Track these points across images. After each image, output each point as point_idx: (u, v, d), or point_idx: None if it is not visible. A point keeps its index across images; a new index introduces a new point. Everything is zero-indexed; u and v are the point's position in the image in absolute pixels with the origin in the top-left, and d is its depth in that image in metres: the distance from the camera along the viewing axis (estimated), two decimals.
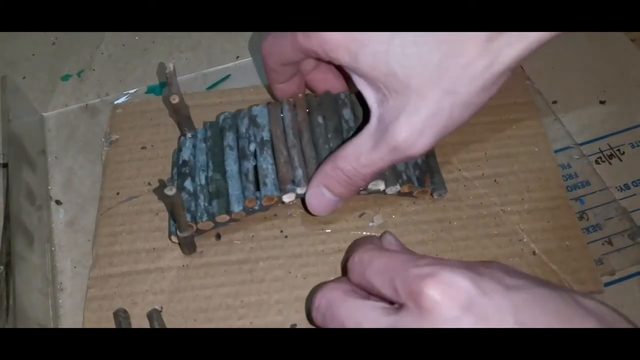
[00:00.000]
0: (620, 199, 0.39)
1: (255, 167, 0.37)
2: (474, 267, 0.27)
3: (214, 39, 0.48)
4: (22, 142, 0.40)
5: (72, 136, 0.44)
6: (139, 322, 0.35)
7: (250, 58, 0.47)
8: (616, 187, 0.39)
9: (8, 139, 0.39)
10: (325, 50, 0.32)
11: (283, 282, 0.36)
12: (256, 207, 0.36)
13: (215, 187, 0.36)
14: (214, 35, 0.48)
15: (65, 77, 0.47)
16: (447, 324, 0.25)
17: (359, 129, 0.37)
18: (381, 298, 0.28)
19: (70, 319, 0.36)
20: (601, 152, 0.41)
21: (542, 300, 0.26)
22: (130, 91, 0.46)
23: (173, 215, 0.36)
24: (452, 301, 0.25)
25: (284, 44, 0.34)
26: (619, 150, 0.41)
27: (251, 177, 0.37)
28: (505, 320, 0.25)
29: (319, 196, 0.35)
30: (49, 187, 0.41)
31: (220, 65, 0.47)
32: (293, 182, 0.36)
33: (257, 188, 0.36)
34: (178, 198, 0.32)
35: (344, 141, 0.37)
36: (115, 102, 0.45)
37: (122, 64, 0.47)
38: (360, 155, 0.33)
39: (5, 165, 0.41)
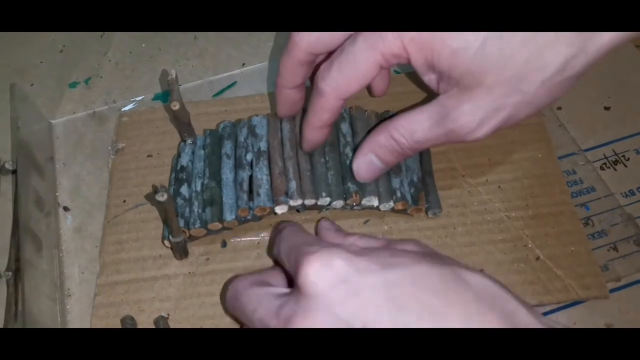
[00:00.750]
0: (626, 205, 0.39)
1: (251, 177, 0.37)
2: (364, 249, 0.29)
3: (220, 46, 0.49)
4: (30, 149, 0.40)
5: (79, 143, 0.44)
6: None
7: (256, 65, 0.47)
8: (621, 193, 0.39)
9: (17, 145, 0.40)
10: (405, 49, 0.32)
11: None
12: (249, 217, 0.36)
13: (210, 194, 0.36)
14: (220, 43, 0.49)
15: (73, 85, 0.47)
16: (319, 299, 0.26)
17: (355, 145, 0.38)
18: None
19: (78, 324, 0.36)
20: (606, 158, 0.41)
21: (418, 277, 0.27)
22: (137, 98, 0.46)
23: (165, 221, 0.36)
24: (325, 278, 0.27)
25: (334, 39, 0.34)
26: (623, 156, 0.41)
27: (246, 186, 0.37)
28: (376, 297, 0.26)
29: (368, 163, 0.36)
30: (57, 194, 0.42)
31: (226, 72, 0.47)
32: (286, 194, 0.36)
33: (251, 198, 0.36)
34: (170, 204, 0.32)
35: (340, 155, 0.38)
36: (122, 110, 0.45)
37: (129, 71, 0.48)
38: (415, 131, 0.34)
39: (14, 172, 0.41)
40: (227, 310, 0.34)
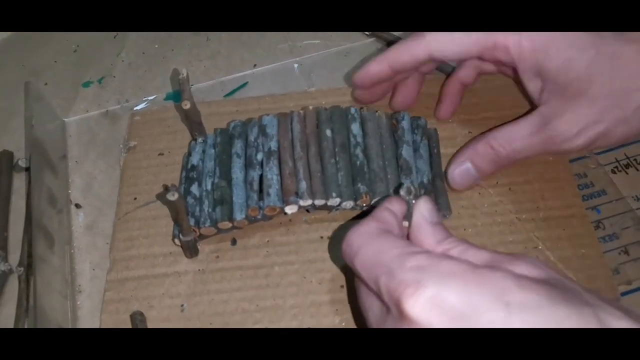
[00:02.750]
0: (637, 209, 0.39)
1: (261, 177, 0.37)
2: (478, 272, 0.23)
3: (232, 47, 0.49)
4: (44, 147, 0.41)
5: (92, 141, 0.44)
6: (156, 325, 0.35)
7: (267, 66, 0.48)
8: (632, 197, 0.39)
9: (30, 143, 0.40)
10: (520, 45, 0.33)
11: (298, 287, 0.36)
12: (259, 217, 0.36)
13: (220, 193, 0.37)
14: (232, 44, 0.49)
15: (87, 84, 0.48)
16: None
17: (366, 145, 0.38)
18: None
19: (88, 320, 0.37)
20: (617, 161, 0.41)
21: (553, 324, 0.21)
22: (149, 98, 0.46)
23: (176, 219, 0.36)
24: (433, 317, 0.22)
25: (456, 40, 0.35)
26: (635, 159, 0.41)
27: (256, 186, 0.37)
28: None
29: (464, 171, 0.37)
30: (69, 191, 0.42)
31: (237, 73, 0.47)
32: (296, 194, 0.36)
33: (261, 197, 0.36)
34: (180, 203, 0.33)
35: (351, 156, 0.37)
36: (135, 109, 0.45)
37: (142, 71, 0.48)
38: (515, 140, 0.35)
39: (27, 169, 0.42)
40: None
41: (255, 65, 0.48)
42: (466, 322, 0.22)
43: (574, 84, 0.33)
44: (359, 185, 0.36)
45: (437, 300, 0.23)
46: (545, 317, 0.22)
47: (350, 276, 0.36)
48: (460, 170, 0.37)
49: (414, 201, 0.29)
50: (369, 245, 0.26)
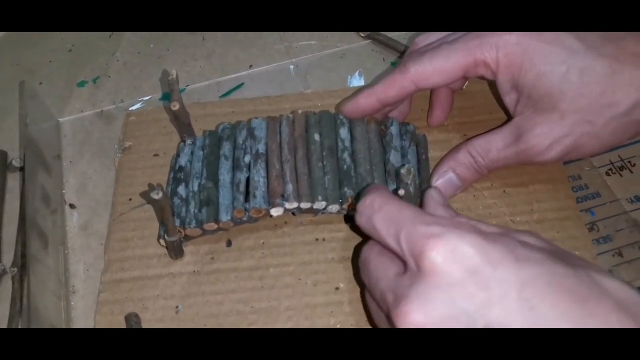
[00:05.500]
0: (631, 211, 0.39)
1: (248, 179, 0.37)
2: (490, 234, 0.26)
3: (227, 48, 0.49)
4: (38, 146, 0.41)
5: (87, 141, 0.44)
6: (150, 326, 0.35)
7: (263, 67, 0.47)
8: (627, 199, 0.39)
9: (25, 143, 0.40)
10: (497, 62, 0.34)
11: (293, 289, 0.36)
12: (244, 218, 0.36)
13: (207, 194, 0.37)
14: (228, 45, 0.49)
15: (81, 84, 0.48)
16: (442, 288, 0.24)
17: (354, 150, 0.38)
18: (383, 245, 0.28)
19: (82, 321, 0.36)
20: (612, 163, 0.41)
21: (553, 278, 0.24)
22: (145, 98, 0.46)
23: (161, 219, 0.36)
24: (452, 266, 0.24)
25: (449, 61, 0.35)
26: (629, 162, 0.41)
27: (242, 188, 0.37)
28: (507, 294, 0.24)
29: (448, 182, 0.37)
30: (64, 191, 0.42)
31: (233, 73, 0.47)
32: (282, 196, 0.36)
33: (248, 199, 0.36)
34: (165, 202, 0.33)
35: (338, 159, 0.37)
36: (130, 109, 0.45)
37: (137, 71, 0.48)
38: (490, 151, 0.36)
39: (21, 169, 0.42)
40: (359, 272, 0.31)
41: (251, 66, 0.48)
42: (480, 275, 0.24)
43: (545, 99, 0.34)
44: (346, 189, 0.36)
45: (458, 252, 0.25)
46: (546, 270, 0.24)
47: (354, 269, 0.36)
48: (443, 181, 0.37)
49: (411, 182, 0.31)
50: (390, 203, 0.28)
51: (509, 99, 0.36)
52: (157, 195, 0.32)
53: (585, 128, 0.34)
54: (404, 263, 0.27)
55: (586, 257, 0.36)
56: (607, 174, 0.41)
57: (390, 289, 0.27)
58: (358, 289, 0.35)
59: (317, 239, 0.37)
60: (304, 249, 0.37)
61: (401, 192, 0.31)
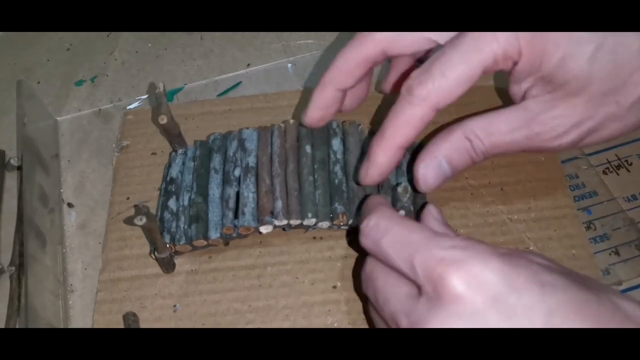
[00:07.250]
0: (628, 210, 0.39)
1: (238, 194, 0.37)
2: (508, 256, 0.25)
3: (225, 47, 0.49)
4: (36, 145, 0.41)
5: (84, 140, 0.44)
6: (148, 325, 0.35)
7: (260, 66, 0.47)
8: (623, 198, 0.39)
9: (22, 142, 0.40)
10: (520, 51, 0.30)
11: (291, 288, 0.36)
12: (234, 235, 0.36)
13: (196, 210, 0.36)
14: (226, 44, 0.49)
15: (79, 83, 0.48)
16: (465, 318, 0.23)
17: (346, 162, 0.37)
18: (394, 270, 0.27)
19: (80, 320, 0.36)
20: (609, 162, 0.41)
21: (578, 304, 0.23)
22: (143, 97, 0.46)
23: (149, 239, 0.36)
24: (476, 295, 0.23)
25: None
26: (626, 161, 0.41)
27: (232, 204, 0.36)
28: (533, 323, 0.23)
29: (436, 168, 0.32)
30: (62, 190, 0.42)
31: (231, 72, 0.47)
32: (272, 213, 0.35)
33: (237, 216, 0.36)
34: (151, 224, 0.32)
35: (329, 173, 0.37)
36: (128, 108, 0.45)
37: (135, 70, 0.48)
38: (492, 134, 0.32)
39: (19, 168, 0.42)
40: (360, 285, 0.29)
41: (248, 65, 0.48)
42: (504, 303, 0.23)
43: (572, 82, 0.30)
44: (336, 205, 0.35)
45: (481, 279, 0.23)
46: (571, 297, 0.23)
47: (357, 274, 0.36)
48: (432, 168, 0.32)
49: (407, 199, 0.30)
50: (398, 225, 0.26)
51: (520, 88, 0.32)
52: (140, 222, 0.31)
53: (610, 108, 0.31)
54: (416, 284, 0.26)
55: (583, 256, 0.36)
56: (604, 172, 0.41)
57: (403, 312, 0.25)
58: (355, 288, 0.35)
59: (314, 238, 0.38)
60: (302, 248, 0.37)
61: (402, 212, 0.29)
